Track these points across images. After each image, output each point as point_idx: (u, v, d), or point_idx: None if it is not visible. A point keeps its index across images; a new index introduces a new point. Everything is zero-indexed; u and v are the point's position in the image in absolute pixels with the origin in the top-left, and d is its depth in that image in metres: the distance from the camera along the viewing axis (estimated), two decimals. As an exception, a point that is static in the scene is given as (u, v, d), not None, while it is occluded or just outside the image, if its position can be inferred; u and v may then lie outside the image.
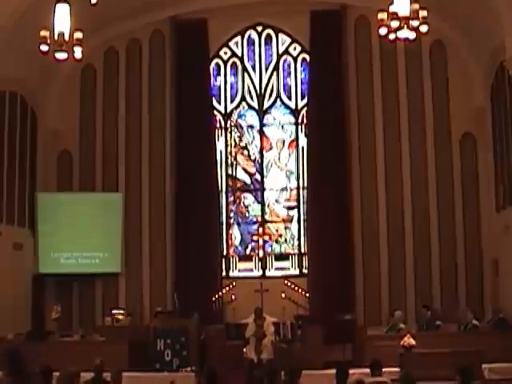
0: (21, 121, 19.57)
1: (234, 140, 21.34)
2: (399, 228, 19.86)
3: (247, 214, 21.20)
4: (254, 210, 21.13)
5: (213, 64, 21.23)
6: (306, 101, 20.89)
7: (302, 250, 20.64)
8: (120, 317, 19.06)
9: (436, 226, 19.78)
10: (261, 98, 21.29)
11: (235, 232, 21.12)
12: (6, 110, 18.92)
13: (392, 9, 10.80)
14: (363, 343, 16.29)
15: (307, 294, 19.37)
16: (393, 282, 19.71)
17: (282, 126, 21.31)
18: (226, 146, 21.21)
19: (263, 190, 21.07)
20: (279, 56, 21.31)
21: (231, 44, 21.41)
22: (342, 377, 10.41)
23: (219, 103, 21.25)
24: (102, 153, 20.88)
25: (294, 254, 20.77)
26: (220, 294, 19.39)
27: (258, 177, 21.17)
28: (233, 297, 19.34)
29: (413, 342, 13.99)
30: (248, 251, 21.02)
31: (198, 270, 19.76)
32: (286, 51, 21.32)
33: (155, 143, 20.78)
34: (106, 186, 20.73)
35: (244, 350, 16.45)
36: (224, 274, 20.57)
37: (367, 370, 10.77)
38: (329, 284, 19.27)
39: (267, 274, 20.61)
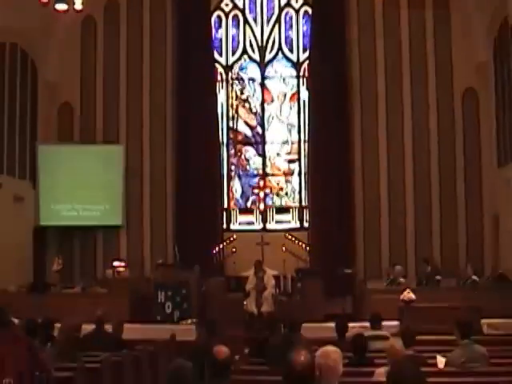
0: (21, 72, 19.44)
1: (235, 93, 21.19)
2: (400, 183, 19.82)
3: (248, 167, 21.15)
4: (255, 163, 21.09)
5: (214, 16, 21.00)
6: (307, 54, 20.68)
7: (303, 204, 20.65)
8: (121, 269, 19.10)
9: (437, 181, 19.74)
10: (262, 50, 21.08)
11: (236, 185, 21.10)
12: (6, 61, 18.78)
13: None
14: (363, 297, 16.41)
15: (308, 248, 19.42)
16: (393, 236, 19.74)
17: (284, 79, 21.15)
18: (227, 98, 21.05)
19: (264, 143, 20.98)
20: (281, 8, 21.06)
21: (233, -4, 21.18)
22: (341, 330, 10.47)
23: (220, 55, 21.05)
24: (102, 105, 20.74)
25: (295, 208, 20.79)
26: (221, 246, 19.43)
27: (259, 130, 21.05)
28: (233, 250, 19.38)
29: (412, 296, 14.02)
30: (249, 204, 21.03)
31: (198, 222, 19.77)
32: (288, 4, 21.07)
33: (156, 96, 20.62)
34: (107, 138, 20.62)
35: (244, 302, 16.56)
36: (225, 226, 20.60)
37: (367, 324, 10.82)
38: (329, 238, 19.34)
39: (268, 227, 20.66)
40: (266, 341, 9.29)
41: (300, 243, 19.35)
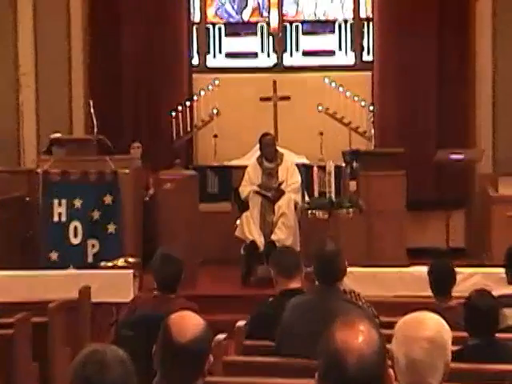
0: None
1: None
2: None
3: None
4: None
5: None
6: None
7: (361, 14, 20.73)
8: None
9: None
10: None
11: (217, -21, 21.20)
12: None
13: None
14: (489, 211, 16.52)
15: (371, 108, 19.38)
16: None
17: None
18: None
19: None
20: None
21: None
22: (443, 282, 10.46)
23: None
24: None
25: (344, 22, 20.84)
26: (187, 104, 19.35)
27: None
28: (214, 112, 19.31)
29: None
30: (246, 15, 21.15)
31: (139, 53, 20.10)
32: None
33: None
34: None
35: (237, 222, 16.67)
36: (196, 61, 20.84)
37: (499, 271, 10.90)
38: (418, 89, 19.54)
39: (286, 62, 20.78)
40: (280, 305, 9.18)
41: (355, 98, 19.25)
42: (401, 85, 19.72)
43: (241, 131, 18.68)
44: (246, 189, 16.71)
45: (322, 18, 20.96)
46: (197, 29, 20.92)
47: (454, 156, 17.85)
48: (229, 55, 21.07)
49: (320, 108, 18.87)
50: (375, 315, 8.58)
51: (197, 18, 20.88)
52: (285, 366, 8.10)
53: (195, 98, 19.67)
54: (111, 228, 16.25)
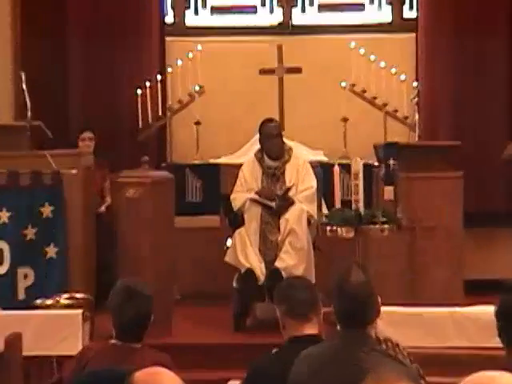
0: None
1: None
2: None
3: None
4: None
5: None
6: None
7: None
8: None
9: None
10: None
11: None
12: None
13: None
14: None
15: (415, 84, 18.96)
16: None
17: None
18: None
19: None
20: None
21: None
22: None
23: None
24: None
25: None
26: (158, 79, 19.26)
27: None
28: (195, 89, 19.10)
29: None
30: None
31: (91, 8, 20.00)
32: None
33: None
34: None
35: (228, 242, 16.32)
36: (171, 19, 20.82)
37: None
38: (483, 57, 19.11)
39: (296, 20, 20.66)
40: (288, 358, 8.65)
41: (393, 71, 18.96)
42: (457, 52, 19.42)
43: (233, 116, 18.59)
44: (240, 196, 16.26)
45: None
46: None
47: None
48: (216, 11, 20.93)
49: (343, 84, 18.75)
50: (420, 375, 7.86)
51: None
52: None
53: (169, 69, 19.52)
54: (51, 251, 15.80)
